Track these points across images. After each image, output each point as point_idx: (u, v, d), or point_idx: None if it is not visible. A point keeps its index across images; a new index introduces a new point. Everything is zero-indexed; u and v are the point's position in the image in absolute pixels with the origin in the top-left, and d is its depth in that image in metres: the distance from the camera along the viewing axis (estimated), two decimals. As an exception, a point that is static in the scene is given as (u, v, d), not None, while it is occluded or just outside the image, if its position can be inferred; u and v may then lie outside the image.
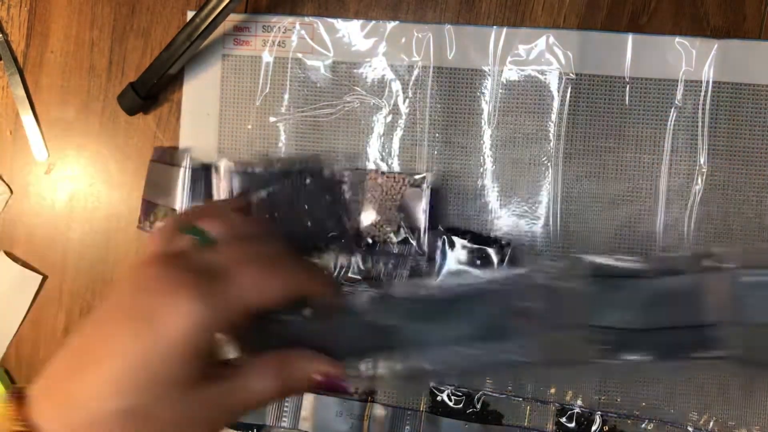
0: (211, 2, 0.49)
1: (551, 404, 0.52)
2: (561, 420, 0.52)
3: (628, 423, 0.51)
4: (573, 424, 0.51)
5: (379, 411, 0.53)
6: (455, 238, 0.51)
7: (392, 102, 0.53)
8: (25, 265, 0.55)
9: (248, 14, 0.54)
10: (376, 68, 0.53)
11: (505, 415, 0.52)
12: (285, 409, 0.53)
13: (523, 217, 0.52)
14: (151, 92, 0.53)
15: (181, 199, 0.52)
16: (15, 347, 0.56)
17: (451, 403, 0.52)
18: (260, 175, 0.50)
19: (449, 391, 0.52)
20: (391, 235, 0.50)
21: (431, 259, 0.51)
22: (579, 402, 0.52)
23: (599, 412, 0.51)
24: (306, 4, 0.54)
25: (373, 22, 0.53)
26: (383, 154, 0.53)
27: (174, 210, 0.52)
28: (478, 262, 0.51)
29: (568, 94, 0.52)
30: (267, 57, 0.54)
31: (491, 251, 0.51)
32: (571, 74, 0.52)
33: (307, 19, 0.53)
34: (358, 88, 0.53)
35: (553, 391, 0.52)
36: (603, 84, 0.52)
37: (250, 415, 0.53)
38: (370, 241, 0.51)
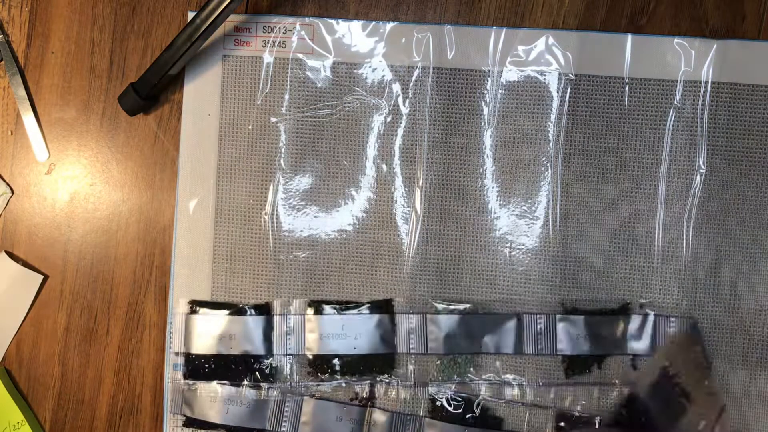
0: (212, 3, 0.50)
1: (550, 409, 0.52)
2: (560, 424, 0.52)
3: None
4: (572, 429, 0.51)
5: (379, 416, 0.53)
6: None
7: (392, 102, 0.53)
8: (25, 264, 0.55)
9: (249, 15, 0.54)
10: (376, 69, 0.53)
11: (505, 420, 0.52)
12: (285, 413, 0.53)
13: (522, 217, 0.52)
14: (151, 93, 0.53)
15: None
16: (16, 347, 0.56)
17: (450, 408, 0.52)
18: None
19: (449, 396, 0.52)
20: None
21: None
22: (578, 407, 0.52)
23: (598, 417, 0.51)
24: (306, 4, 0.54)
25: (373, 22, 0.53)
26: (383, 154, 0.53)
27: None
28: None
29: (568, 95, 0.52)
30: (267, 57, 0.54)
31: None
32: (570, 75, 0.52)
33: (307, 20, 0.54)
34: (358, 89, 0.53)
35: (552, 396, 0.52)
36: (602, 84, 0.52)
37: (251, 417, 0.53)
38: None
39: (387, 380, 0.52)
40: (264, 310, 0.53)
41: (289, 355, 0.53)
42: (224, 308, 0.54)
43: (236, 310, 0.53)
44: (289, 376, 0.53)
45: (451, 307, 0.52)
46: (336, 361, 0.52)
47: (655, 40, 0.52)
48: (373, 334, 0.52)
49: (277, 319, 0.53)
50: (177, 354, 0.54)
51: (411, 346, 0.52)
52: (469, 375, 0.52)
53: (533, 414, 0.52)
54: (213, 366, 0.53)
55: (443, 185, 0.53)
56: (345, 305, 0.53)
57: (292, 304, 0.53)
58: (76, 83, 0.55)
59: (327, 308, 0.53)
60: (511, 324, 0.52)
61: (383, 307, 0.53)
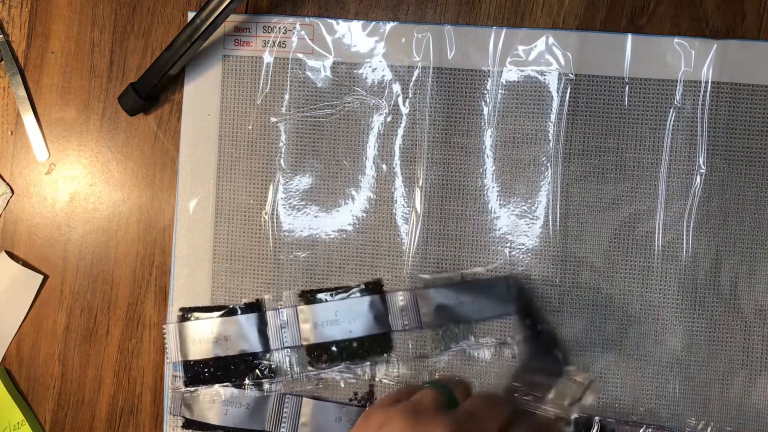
0: (212, 3, 0.50)
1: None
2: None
3: (627, 428, 0.51)
4: (571, 429, 0.51)
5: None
6: None
7: (392, 102, 0.53)
8: (25, 264, 0.55)
9: (249, 15, 0.54)
10: (376, 69, 0.53)
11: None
12: (284, 414, 0.53)
13: (522, 217, 0.52)
14: (151, 93, 0.53)
15: None
16: (16, 346, 0.56)
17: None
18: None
19: None
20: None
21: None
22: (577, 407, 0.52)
23: (597, 417, 0.51)
24: (306, 4, 0.54)
25: (373, 22, 0.53)
26: (383, 154, 0.53)
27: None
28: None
29: (568, 95, 0.52)
30: (267, 57, 0.54)
31: None
32: (570, 75, 0.52)
33: (307, 20, 0.54)
34: (358, 89, 0.53)
35: (551, 396, 0.52)
36: (602, 84, 0.52)
37: (250, 419, 0.53)
38: None
39: (387, 359, 0.52)
40: (255, 307, 0.53)
41: (287, 348, 0.53)
42: (216, 311, 0.53)
43: (228, 310, 0.53)
44: (289, 369, 0.53)
45: (438, 275, 0.52)
46: (334, 348, 0.52)
47: (655, 40, 0.52)
48: (367, 317, 0.52)
49: (269, 314, 0.53)
50: (175, 363, 0.54)
51: (405, 323, 0.52)
52: (467, 342, 0.52)
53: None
54: (212, 369, 0.53)
55: (443, 185, 0.53)
56: (335, 291, 0.53)
57: (283, 297, 0.53)
58: (76, 83, 0.56)
59: (318, 296, 0.53)
60: (501, 288, 0.52)
61: (373, 288, 0.53)
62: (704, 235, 0.51)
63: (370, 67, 0.53)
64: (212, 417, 0.53)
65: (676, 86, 0.51)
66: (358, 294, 0.53)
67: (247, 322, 0.53)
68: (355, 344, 0.52)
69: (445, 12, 0.53)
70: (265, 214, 0.54)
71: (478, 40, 0.52)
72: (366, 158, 0.53)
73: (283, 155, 0.54)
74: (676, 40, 0.51)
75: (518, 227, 0.52)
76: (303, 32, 0.53)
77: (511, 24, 0.53)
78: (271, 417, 0.53)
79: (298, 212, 0.54)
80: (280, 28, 0.54)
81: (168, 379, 0.54)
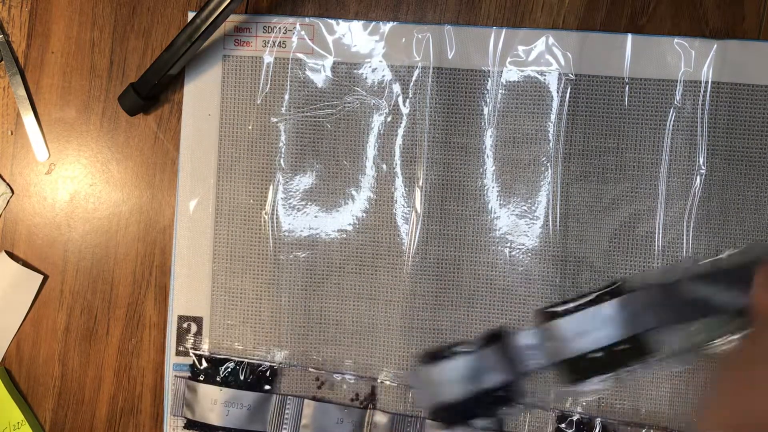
0: (212, 3, 0.50)
1: (551, 410, 0.52)
2: (561, 426, 0.52)
3: (628, 429, 0.51)
4: (573, 431, 0.51)
5: (379, 418, 0.53)
6: None
7: (392, 102, 0.53)
8: (25, 264, 0.55)
9: (249, 15, 0.54)
10: (377, 69, 0.53)
11: (505, 422, 0.52)
12: (285, 416, 0.53)
13: (522, 217, 0.52)
14: (151, 93, 0.53)
15: None
16: (16, 347, 0.56)
17: None
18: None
19: None
20: None
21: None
22: (579, 408, 0.52)
23: (599, 419, 0.51)
24: (306, 4, 0.54)
25: (373, 22, 0.53)
26: (383, 154, 0.53)
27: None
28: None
29: (568, 95, 0.52)
30: (267, 57, 0.54)
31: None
32: (570, 75, 0.52)
33: (307, 20, 0.54)
34: (358, 89, 0.53)
35: (552, 396, 0.52)
36: (602, 84, 0.52)
37: (251, 420, 0.53)
38: None
39: (647, 361, 0.46)
40: (494, 338, 0.46)
41: (537, 368, 0.46)
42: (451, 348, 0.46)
43: (465, 350, 0.45)
44: (542, 391, 0.51)
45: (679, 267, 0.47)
46: (584, 362, 0.44)
47: (655, 40, 0.52)
48: (613, 321, 0.44)
49: (513, 338, 0.46)
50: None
51: (654, 321, 0.45)
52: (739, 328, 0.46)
53: (533, 415, 0.52)
54: (466, 407, 0.47)
55: (443, 185, 0.53)
56: (572, 302, 0.47)
57: (524, 320, 0.51)
58: (76, 83, 0.56)
59: (557, 311, 0.46)
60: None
61: (613, 291, 0.46)
62: (704, 235, 0.51)
63: (370, 67, 0.53)
64: (213, 418, 0.53)
65: (676, 86, 0.51)
66: (599, 300, 0.46)
67: (493, 353, 0.46)
68: (604, 356, 0.44)
69: (445, 12, 0.53)
70: (265, 214, 0.54)
71: (478, 40, 0.52)
72: (366, 158, 0.53)
73: (283, 155, 0.54)
74: (676, 40, 0.51)
75: (518, 227, 0.52)
76: (303, 32, 0.54)
77: (511, 24, 0.53)
78: (272, 419, 0.53)
79: (298, 212, 0.54)
80: (280, 28, 0.54)
81: (168, 378, 0.54)
